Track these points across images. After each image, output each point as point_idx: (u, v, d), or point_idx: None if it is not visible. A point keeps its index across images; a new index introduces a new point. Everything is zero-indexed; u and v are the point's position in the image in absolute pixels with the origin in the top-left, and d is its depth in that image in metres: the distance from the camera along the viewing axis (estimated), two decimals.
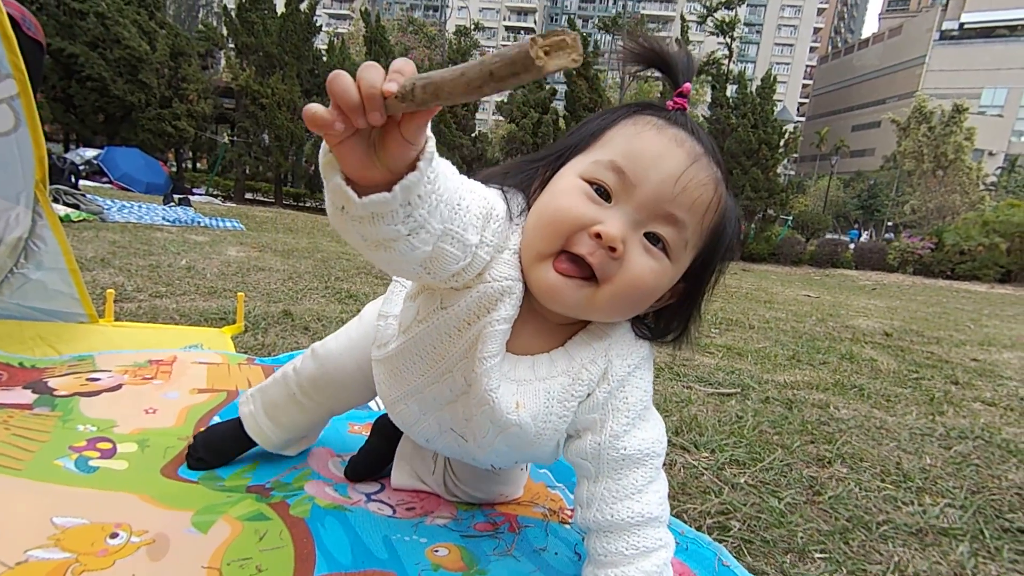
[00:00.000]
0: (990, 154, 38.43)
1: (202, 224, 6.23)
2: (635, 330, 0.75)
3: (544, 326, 0.74)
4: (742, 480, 1.20)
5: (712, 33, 21.47)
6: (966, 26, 47.52)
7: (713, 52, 21.19)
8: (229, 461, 1.05)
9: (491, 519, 0.96)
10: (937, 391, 2.20)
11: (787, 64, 61.95)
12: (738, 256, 0.71)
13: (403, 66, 0.46)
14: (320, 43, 18.69)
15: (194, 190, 14.56)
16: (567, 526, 0.95)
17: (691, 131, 0.67)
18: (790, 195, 17.47)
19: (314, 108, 0.46)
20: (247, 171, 18.00)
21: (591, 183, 0.65)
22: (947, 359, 2.99)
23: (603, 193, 0.65)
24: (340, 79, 0.45)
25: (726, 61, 19.46)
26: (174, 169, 18.89)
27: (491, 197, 0.66)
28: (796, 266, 14.78)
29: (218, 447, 1.05)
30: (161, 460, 1.05)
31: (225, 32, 18.12)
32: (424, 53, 23.13)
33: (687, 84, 0.69)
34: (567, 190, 0.66)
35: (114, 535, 0.80)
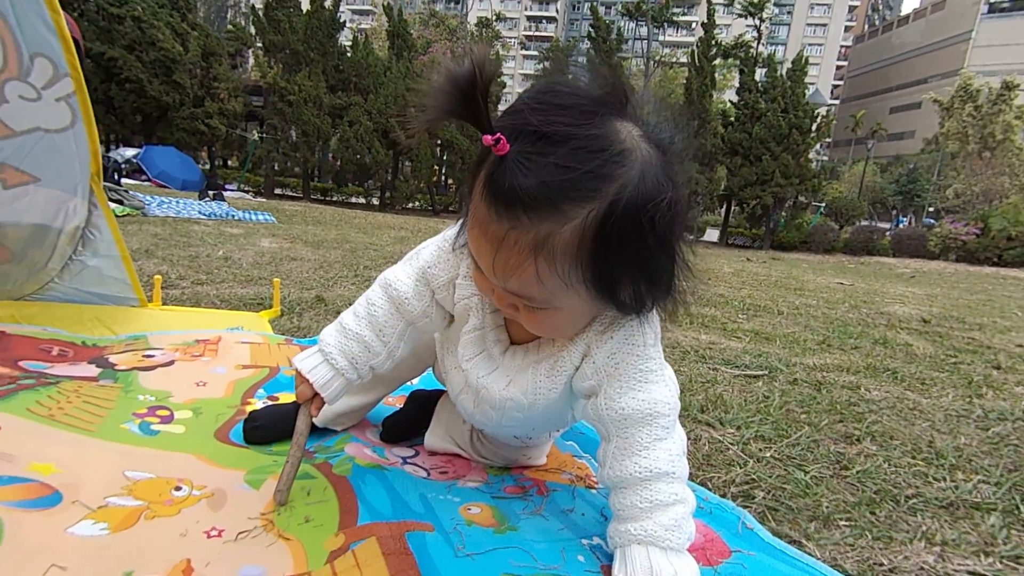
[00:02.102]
0: None
1: (236, 217, 6.43)
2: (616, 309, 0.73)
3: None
4: (767, 454, 1.22)
5: (740, 15, 20.92)
6: None
7: (741, 35, 20.67)
8: (281, 438, 1.07)
9: (520, 483, 1.00)
10: (976, 375, 2.16)
11: (820, 45, 59.89)
12: (686, 220, 0.64)
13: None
14: (344, 39, 18.88)
15: (226, 186, 14.97)
16: (593, 491, 0.99)
17: (500, 196, 0.62)
18: (822, 181, 16.99)
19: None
20: (276, 167, 18.40)
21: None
22: (989, 345, 2.91)
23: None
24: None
25: (755, 44, 18.97)
26: (207, 166, 19.42)
27: (426, 258, 0.88)
28: (829, 254, 14.41)
29: (275, 425, 1.09)
30: (214, 425, 1.13)
31: (253, 31, 18.50)
32: (445, 46, 23.15)
33: (486, 136, 0.60)
34: (473, 264, 0.74)
35: (178, 488, 0.88)
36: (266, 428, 1.09)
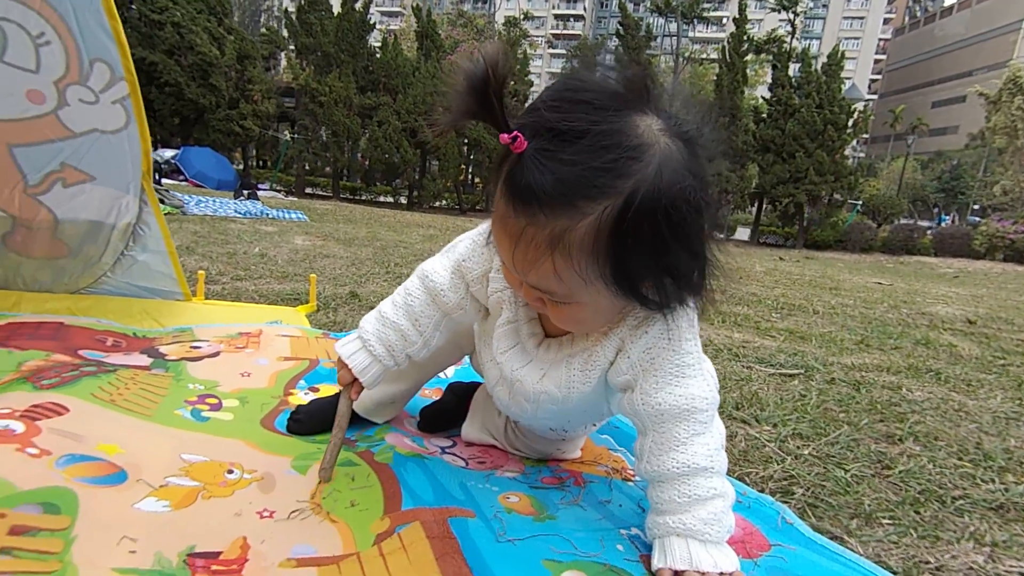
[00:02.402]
0: None
1: (270, 216, 6.59)
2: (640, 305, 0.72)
3: None
4: (806, 452, 1.20)
5: (774, 9, 20.46)
6: None
7: (774, 30, 20.20)
8: (322, 431, 1.10)
9: (557, 475, 1.02)
10: None
11: (857, 39, 58.07)
12: (714, 209, 0.62)
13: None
14: (373, 40, 19.15)
15: (259, 185, 15.37)
16: (630, 483, 1.00)
17: (517, 193, 0.63)
18: (859, 178, 16.49)
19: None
20: (307, 167, 18.77)
21: None
22: None
23: None
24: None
25: (788, 38, 18.51)
26: (241, 167, 19.94)
27: (462, 251, 0.90)
28: (866, 253, 14.00)
29: (316, 418, 1.12)
30: (259, 414, 1.17)
31: (286, 34, 18.90)
32: (473, 45, 23.25)
33: (503, 135, 0.62)
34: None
35: (230, 471, 0.92)
36: (308, 422, 1.12)
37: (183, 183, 13.52)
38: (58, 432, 0.88)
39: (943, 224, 19.43)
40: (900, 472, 1.12)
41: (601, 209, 0.61)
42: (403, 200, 19.54)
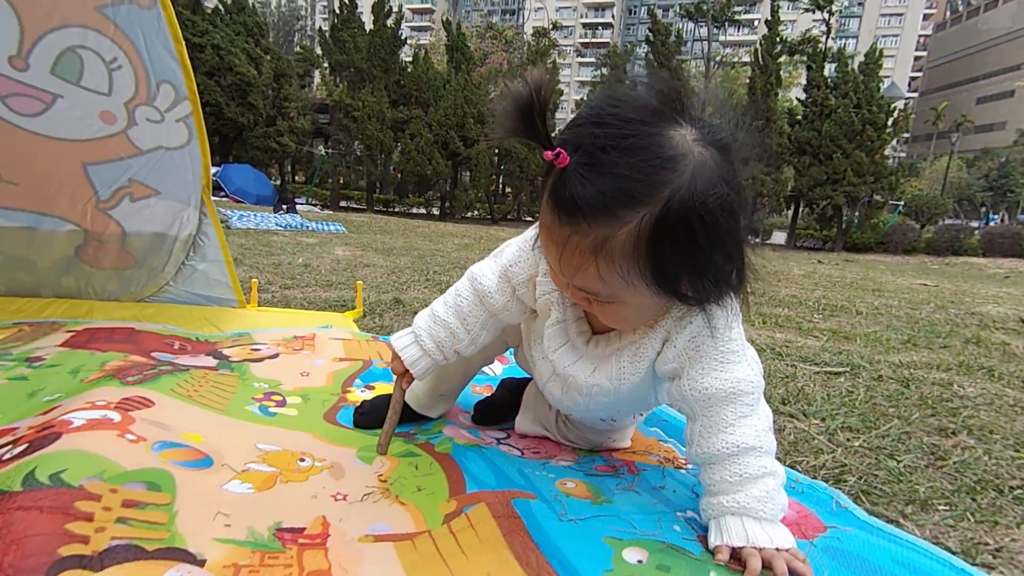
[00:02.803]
0: None
1: (309, 228, 6.81)
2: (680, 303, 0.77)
3: None
4: (856, 444, 1.20)
5: (807, 9, 20.08)
6: None
7: (808, 30, 19.83)
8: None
9: (610, 463, 1.05)
10: None
11: (895, 36, 56.34)
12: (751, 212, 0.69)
13: None
14: (405, 55, 19.59)
15: (296, 200, 15.86)
16: (682, 471, 1.03)
17: (560, 204, 0.68)
18: (900, 178, 15.97)
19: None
20: (341, 180, 19.27)
21: None
22: None
23: None
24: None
25: (823, 38, 18.14)
26: (278, 182, 20.59)
27: (508, 256, 0.96)
28: (909, 255, 13.53)
29: (379, 408, 1.17)
30: (322, 409, 1.24)
31: (319, 51, 19.51)
32: (502, 56, 23.53)
33: (547, 152, 0.67)
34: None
35: (302, 459, 0.98)
36: (373, 414, 1.18)
37: (224, 199, 14.05)
38: (149, 422, 0.95)
39: (991, 224, 18.63)
40: (955, 463, 1.11)
41: (640, 217, 0.66)
42: (435, 211, 19.84)
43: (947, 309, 3.88)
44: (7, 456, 0.78)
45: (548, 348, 0.93)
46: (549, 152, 0.67)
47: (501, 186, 22.44)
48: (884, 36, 53.73)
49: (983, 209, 29.68)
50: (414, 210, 20.39)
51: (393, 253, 5.04)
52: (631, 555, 0.74)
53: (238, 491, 0.84)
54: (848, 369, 1.91)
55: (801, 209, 17.30)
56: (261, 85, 18.56)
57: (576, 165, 0.66)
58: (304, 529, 0.76)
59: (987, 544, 0.83)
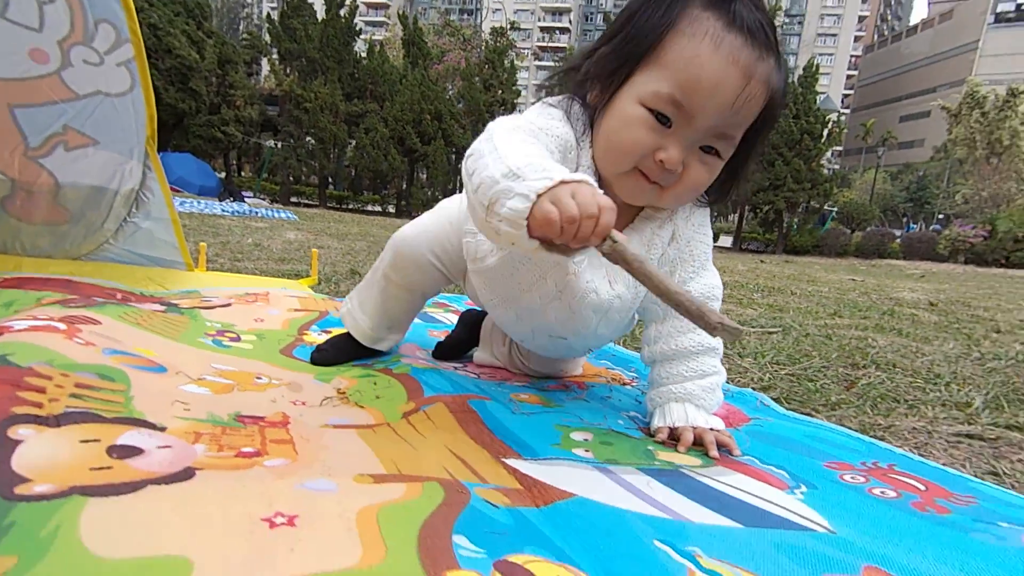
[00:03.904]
0: None
1: (259, 214, 6.61)
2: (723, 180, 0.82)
3: (618, 208, 0.87)
4: (782, 373, 1.32)
5: None
6: None
7: None
8: (341, 362, 1.16)
9: (562, 383, 1.11)
10: (978, 335, 2.24)
11: (831, 55, 60.00)
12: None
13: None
14: (359, 49, 19.24)
15: (243, 193, 15.25)
16: (627, 387, 1.10)
17: (749, 29, 0.69)
18: (834, 187, 17.00)
19: (549, 218, 0.58)
20: (291, 176, 18.71)
21: (652, 110, 0.72)
22: (992, 318, 2.98)
23: (664, 118, 0.72)
24: (575, 215, 0.58)
25: None
26: (224, 175, 19.78)
27: (559, 131, 0.78)
28: (841, 257, 14.40)
29: (336, 349, 1.18)
30: (278, 345, 1.24)
31: (268, 39, 18.89)
32: (460, 54, 23.47)
33: None
34: (631, 121, 0.73)
35: (259, 377, 0.99)
36: (332, 351, 1.17)
37: None
38: (96, 334, 0.94)
39: (911, 231, 20.15)
40: (862, 385, 1.24)
41: (774, 62, 0.72)
42: (391, 209, 19.54)
43: (870, 295, 4.18)
44: None
45: (578, 262, 0.82)
46: None
47: (459, 185, 22.39)
48: (821, 54, 57.05)
49: (905, 218, 31.99)
50: (369, 207, 20.03)
51: (348, 238, 4.97)
52: (578, 436, 0.80)
53: (196, 391, 0.84)
54: (780, 329, 2.05)
55: (747, 213, 18.12)
56: (204, 71, 17.76)
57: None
58: (264, 417, 0.78)
59: (880, 425, 0.95)
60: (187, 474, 0.54)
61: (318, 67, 17.34)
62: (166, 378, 0.86)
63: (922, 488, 0.70)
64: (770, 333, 1.98)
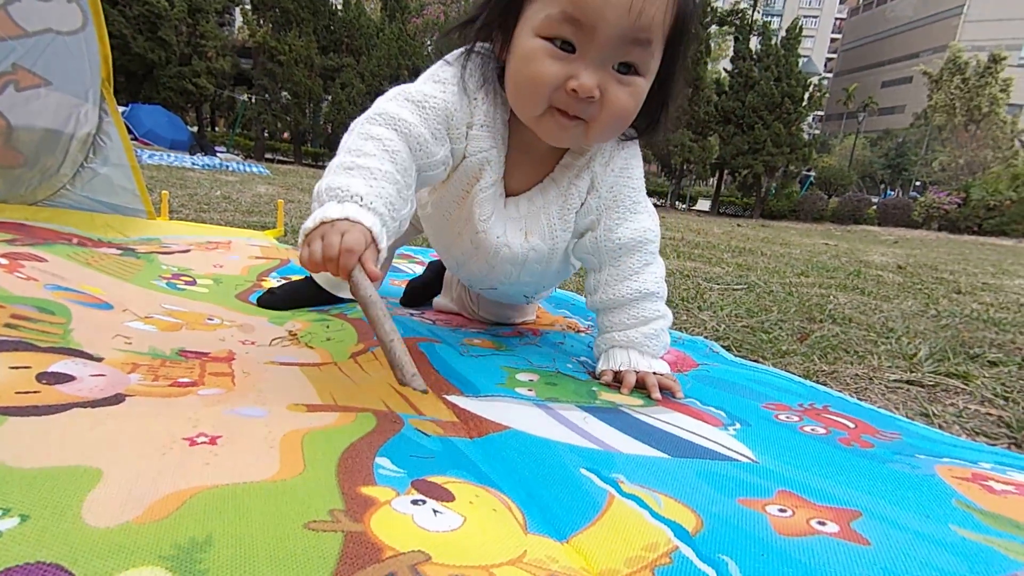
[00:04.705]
0: None
1: (230, 168, 6.42)
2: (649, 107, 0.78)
3: (535, 158, 0.85)
4: (739, 325, 1.34)
5: None
6: None
7: (737, 2, 20.41)
8: (294, 308, 1.15)
9: (517, 330, 1.12)
10: (939, 295, 2.30)
11: (815, 17, 59.16)
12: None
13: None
14: (335, 0, 18.43)
15: (216, 148, 14.74)
16: (581, 334, 1.11)
17: None
18: (813, 151, 17.08)
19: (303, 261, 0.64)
20: (266, 131, 18.11)
21: (551, 39, 0.68)
22: (955, 281, 3.07)
23: (566, 45, 0.68)
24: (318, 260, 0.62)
25: (750, 11, 18.76)
26: (196, 129, 19.06)
27: (440, 99, 0.76)
28: (817, 222, 14.59)
29: (289, 294, 1.17)
30: (234, 290, 1.23)
31: None
32: (439, 9, 22.62)
33: None
34: (531, 55, 0.69)
35: (211, 318, 0.98)
36: (282, 296, 1.16)
37: (133, 142, 12.86)
38: (40, 271, 0.92)
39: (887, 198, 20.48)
40: (815, 337, 1.27)
41: None
42: None
43: (840, 258, 4.27)
44: None
45: (479, 217, 0.82)
46: None
47: None
48: (805, 16, 56.18)
49: (883, 185, 32.40)
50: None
51: None
52: (523, 376, 0.81)
53: (140, 328, 0.83)
54: (745, 287, 2.09)
55: (725, 177, 18.16)
56: (173, 19, 16.87)
57: None
58: (209, 353, 0.77)
59: (824, 371, 0.98)
60: (116, 399, 0.53)
61: (292, 18, 16.60)
62: (111, 314, 0.85)
63: (851, 426, 0.73)
64: (735, 290, 2.02)
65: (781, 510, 0.47)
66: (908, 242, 9.72)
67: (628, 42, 0.68)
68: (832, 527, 0.44)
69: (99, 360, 0.64)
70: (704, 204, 20.45)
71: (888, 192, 27.34)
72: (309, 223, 0.64)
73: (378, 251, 0.65)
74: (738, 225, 10.37)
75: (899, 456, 0.63)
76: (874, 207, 15.15)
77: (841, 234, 11.22)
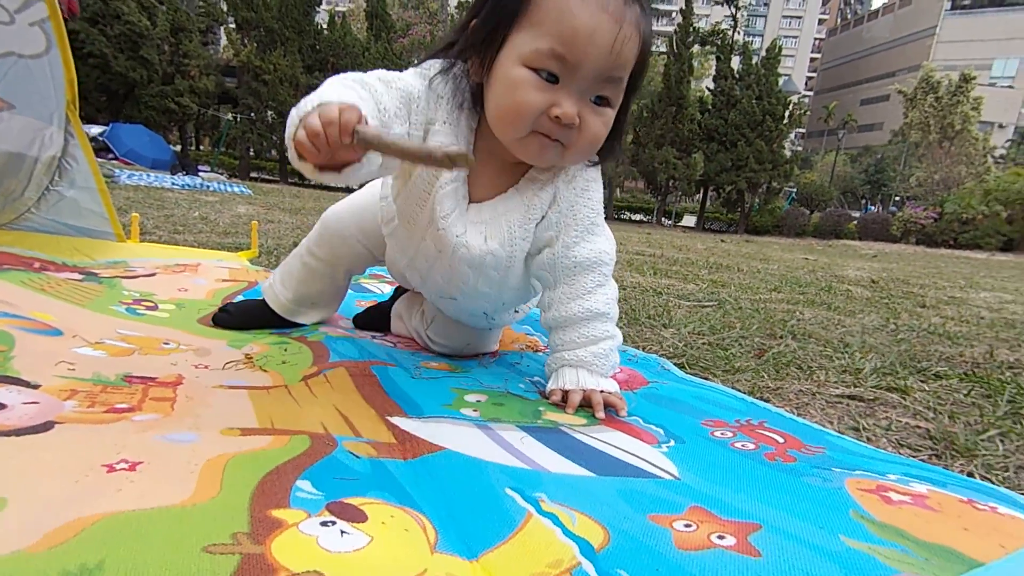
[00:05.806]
0: (1000, 126, 37.88)
1: (211, 188, 6.40)
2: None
3: (500, 168, 0.88)
4: (699, 343, 1.37)
5: (718, 3, 21.17)
6: None
7: (718, 23, 20.94)
8: (249, 328, 1.16)
9: (476, 355, 1.13)
10: (902, 309, 2.36)
11: (795, 37, 60.81)
12: None
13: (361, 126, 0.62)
14: (320, 19, 18.60)
15: (200, 167, 14.69)
16: (539, 353, 1.13)
17: None
18: (795, 167, 17.43)
19: (302, 141, 0.62)
20: (251, 150, 18.11)
21: (537, 70, 0.75)
22: (923, 295, 3.14)
23: (551, 76, 0.75)
24: (318, 128, 0.60)
25: (731, 31, 19.25)
26: (179, 148, 19.00)
27: (406, 82, 0.79)
28: (800, 237, 14.85)
29: (244, 314, 1.19)
30: (196, 315, 1.23)
31: (225, 7, 18.08)
32: (426, 29, 22.93)
33: None
34: (518, 83, 0.75)
35: (167, 343, 0.99)
36: (237, 315, 1.17)
37: (113, 161, 12.78)
38: None
39: (867, 213, 20.92)
40: (773, 354, 1.30)
41: (639, 6, 0.76)
42: (355, 186, 19.15)
43: (816, 273, 4.34)
44: None
45: (439, 214, 0.85)
46: None
47: None
48: (786, 36, 57.64)
49: (863, 200, 33.06)
50: (332, 183, 19.54)
51: (302, 213, 4.87)
52: (471, 398, 0.83)
53: (88, 354, 0.83)
54: (716, 303, 2.12)
55: (709, 193, 18.45)
56: (156, 38, 16.90)
57: None
58: (156, 378, 0.78)
59: (769, 387, 1.00)
60: (45, 427, 0.54)
61: (277, 37, 16.72)
62: (58, 341, 0.85)
63: (780, 441, 0.75)
64: (704, 307, 2.05)
65: (687, 525, 0.48)
66: (887, 256, 9.91)
67: (604, 79, 0.77)
68: (730, 540, 0.45)
69: (35, 387, 0.64)
70: (690, 220, 20.72)
71: (869, 207, 27.93)
72: (294, 118, 0.64)
73: (359, 116, 0.63)
74: (722, 241, 10.52)
75: (816, 469, 0.65)
76: (854, 222, 15.45)
77: (822, 249, 11.42)
